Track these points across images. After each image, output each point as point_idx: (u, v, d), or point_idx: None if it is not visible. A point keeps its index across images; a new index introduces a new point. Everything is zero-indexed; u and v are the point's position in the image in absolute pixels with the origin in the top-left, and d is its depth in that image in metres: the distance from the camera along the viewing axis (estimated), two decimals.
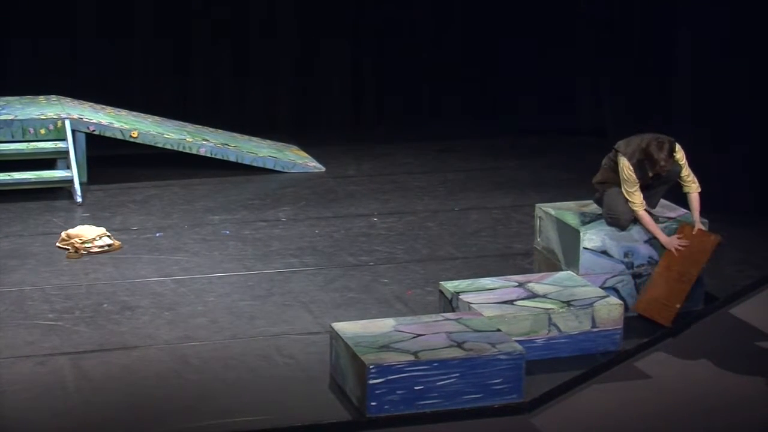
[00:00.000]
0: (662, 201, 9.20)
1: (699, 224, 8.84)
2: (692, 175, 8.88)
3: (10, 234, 10.50)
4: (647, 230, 8.82)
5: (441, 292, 8.71)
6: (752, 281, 9.60)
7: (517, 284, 8.69)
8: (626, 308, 8.56)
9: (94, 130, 11.94)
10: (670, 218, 9.08)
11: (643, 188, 8.91)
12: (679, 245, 8.72)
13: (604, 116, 13.73)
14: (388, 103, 14.62)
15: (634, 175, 8.71)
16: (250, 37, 14.15)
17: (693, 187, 8.89)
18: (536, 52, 14.33)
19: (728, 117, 11.56)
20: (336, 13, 14.32)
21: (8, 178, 11.49)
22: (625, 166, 8.74)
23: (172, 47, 13.93)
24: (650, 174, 8.75)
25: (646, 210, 8.79)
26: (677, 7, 12.38)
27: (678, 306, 8.67)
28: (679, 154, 8.78)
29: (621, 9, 13.43)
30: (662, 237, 8.78)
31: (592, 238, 8.93)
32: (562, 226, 9.22)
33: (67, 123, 11.81)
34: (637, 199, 8.75)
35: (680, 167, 8.82)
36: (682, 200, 9.14)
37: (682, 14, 12.34)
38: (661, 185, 8.98)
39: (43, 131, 11.80)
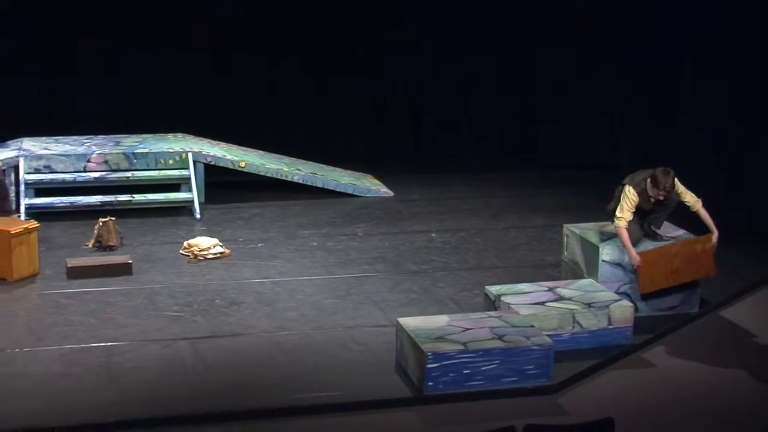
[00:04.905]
0: (666, 223, 9.09)
1: (715, 231, 8.60)
2: (691, 194, 8.71)
3: (144, 243, 10.57)
4: (622, 243, 8.66)
5: (486, 294, 8.66)
6: (738, 289, 9.47)
7: (547, 289, 8.62)
8: (636, 310, 8.46)
9: (210, 161, 12.01)
10: (671, 237, 8.97)
11: (647, 213, 8.79)
12: (639, 263, 8.53)
13: (618, 154, 13.64)
14: (444, 141, 14.56)
15: (634, 200, 8.57)
16: (350, 85, 14.17)
17: (698, 205, 8.70)
18: (564, 100, 14.25)
19: (720, 150, 11.42)
20: (403, 65, 14.33)
21: (144, 198, 11.58)
22: (629, 192, 8.61)
23: (277, 96, 14.01)
24: (652, 200, 8.62)
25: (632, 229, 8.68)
26: (683, 54, 12.25)
27: (656, 289, 8.59)
28: (678, 185, 8.65)
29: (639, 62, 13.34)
30: (632, 253, 8.58)
31: (609, 252, 8.85)
32: (585, 243, 9.15)
33: (190, 155, 11.89)
34: (626, 217, 8.58)
35: (679, 195, 8.69)
36: (680, 222, 9.08)
37: (688, 63, 12.19)
38: (663, 210, 8.85)
39: (171, 161, 11.89)
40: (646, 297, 8.68)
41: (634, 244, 8.68)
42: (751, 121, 11.17)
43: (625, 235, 8.57)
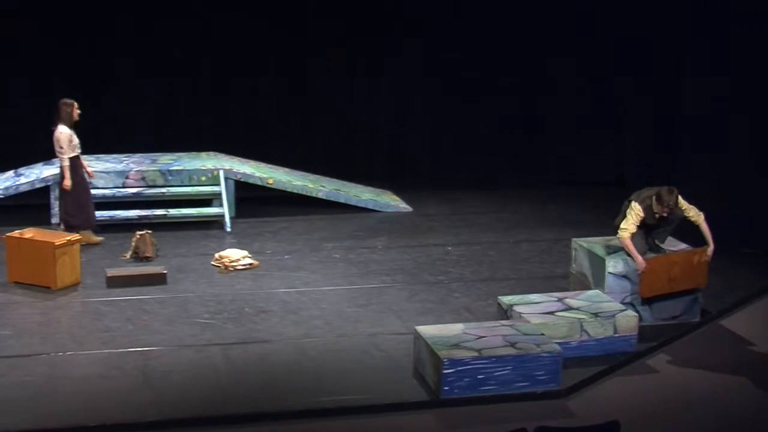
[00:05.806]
0: (669, 238, 9.09)
1: (711, 244, 8.63)
2: (694, 209, 8.72)
3: (178, 254, 10.63)
4: (628, 252, 8.67)
5: (499, 304, 8.67)
6: (738, 299, 9.45)
7: (557, 299, 8.63)
8: (640, 319, 8.47)
9: (240, 178, 12.07)
10: (673, 251, 8.96)
11: (652, 228, 8.79)
12: (644, 269, 8.53)
13: (624, 172, 13.63)
14: (460, 159, 14.56)
15: (639, 214, 8.60)
16: (371, 109, 14.22)
17: (699, 219, 8.72)
18: (574, 123, 14.25)
19: (721, 165, 11.40)
20: (419, 91, 14.37)
21: (178, 212, 11.65)
22: (635, 207, 8.65)
23: (303, 118, 14.07)
24: (656, 215, 8.63)
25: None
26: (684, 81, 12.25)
27: (655, 294, 8.61)
28: (682, 202, 8.66)
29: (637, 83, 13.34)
30: (638, 258, 8.59)
31: (615, 264, 8.85)
32: (592, 256, 9.15)
33: (221, 172, 11.96)
34: (630, 229, 8.61)
35: (682, 212, 8.70)
36: (686, 237, 9.07)
37: (689, 85, 12.19)
38: (667, 225, 8.86)
39: (203, 178, 11.96)
40: (645, 301, 8.69)
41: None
42: (751, 135, 11.19)
43: (629, 243, 8.59)
